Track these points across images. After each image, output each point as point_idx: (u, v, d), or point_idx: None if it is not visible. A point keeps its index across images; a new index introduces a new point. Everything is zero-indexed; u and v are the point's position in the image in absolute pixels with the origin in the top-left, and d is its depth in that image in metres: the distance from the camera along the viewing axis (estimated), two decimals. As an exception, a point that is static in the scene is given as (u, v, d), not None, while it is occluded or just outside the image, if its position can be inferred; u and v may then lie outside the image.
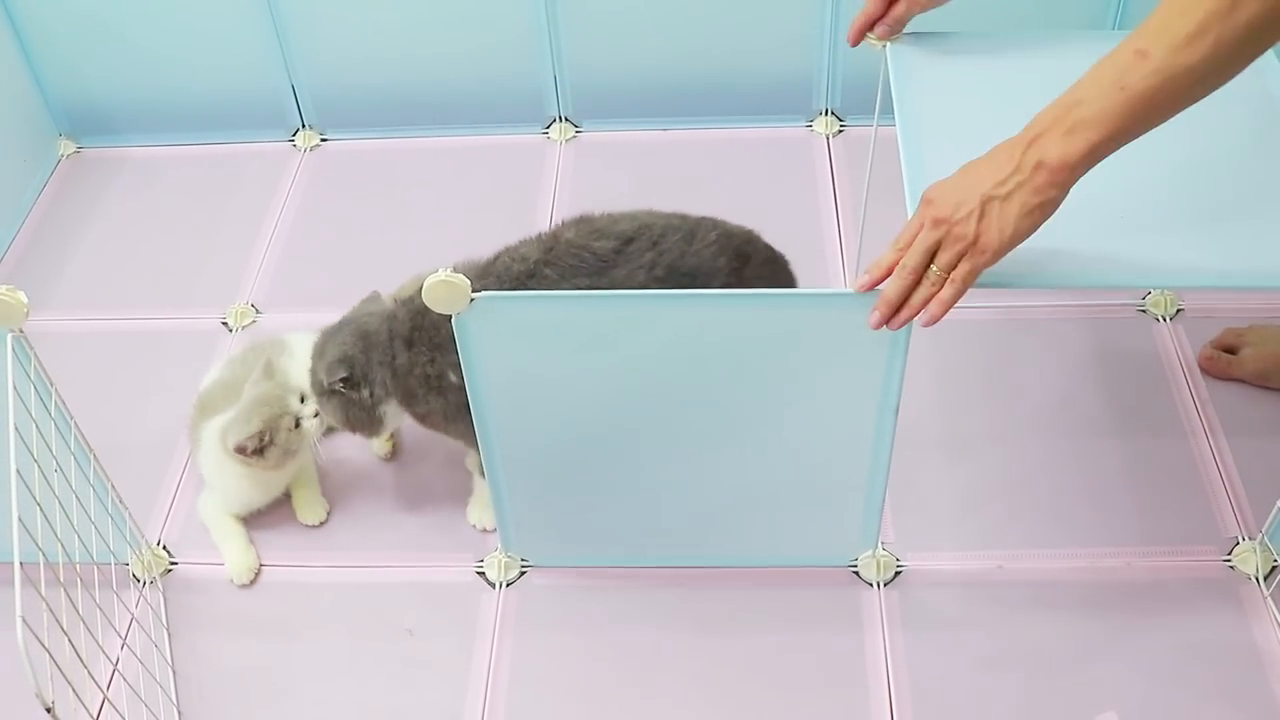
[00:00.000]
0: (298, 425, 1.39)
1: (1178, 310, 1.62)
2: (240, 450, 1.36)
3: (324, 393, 1.36)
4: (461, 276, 1.10)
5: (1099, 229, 1.13)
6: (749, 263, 1.34)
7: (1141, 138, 1.10)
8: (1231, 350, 1.56)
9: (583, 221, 1.33)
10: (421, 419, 1.37)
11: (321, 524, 1.45)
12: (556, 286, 1.26)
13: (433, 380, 1.31)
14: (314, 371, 1.38)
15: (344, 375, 1.33)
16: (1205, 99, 1.17)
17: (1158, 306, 1.63)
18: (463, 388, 1.24)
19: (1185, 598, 1.33)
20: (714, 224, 1.35)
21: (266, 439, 1.37)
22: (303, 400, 1.41)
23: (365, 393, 1.34)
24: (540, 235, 1.33)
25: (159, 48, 1.89)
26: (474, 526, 1.45)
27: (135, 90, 1.95)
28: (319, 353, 1.38)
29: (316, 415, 1.40)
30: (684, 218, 1.35)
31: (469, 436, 1.31)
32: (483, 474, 1.37)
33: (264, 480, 1.42)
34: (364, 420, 1.36)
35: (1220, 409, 1.50)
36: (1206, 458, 1.45)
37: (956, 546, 1.39)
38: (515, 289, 1.26)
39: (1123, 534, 1.39)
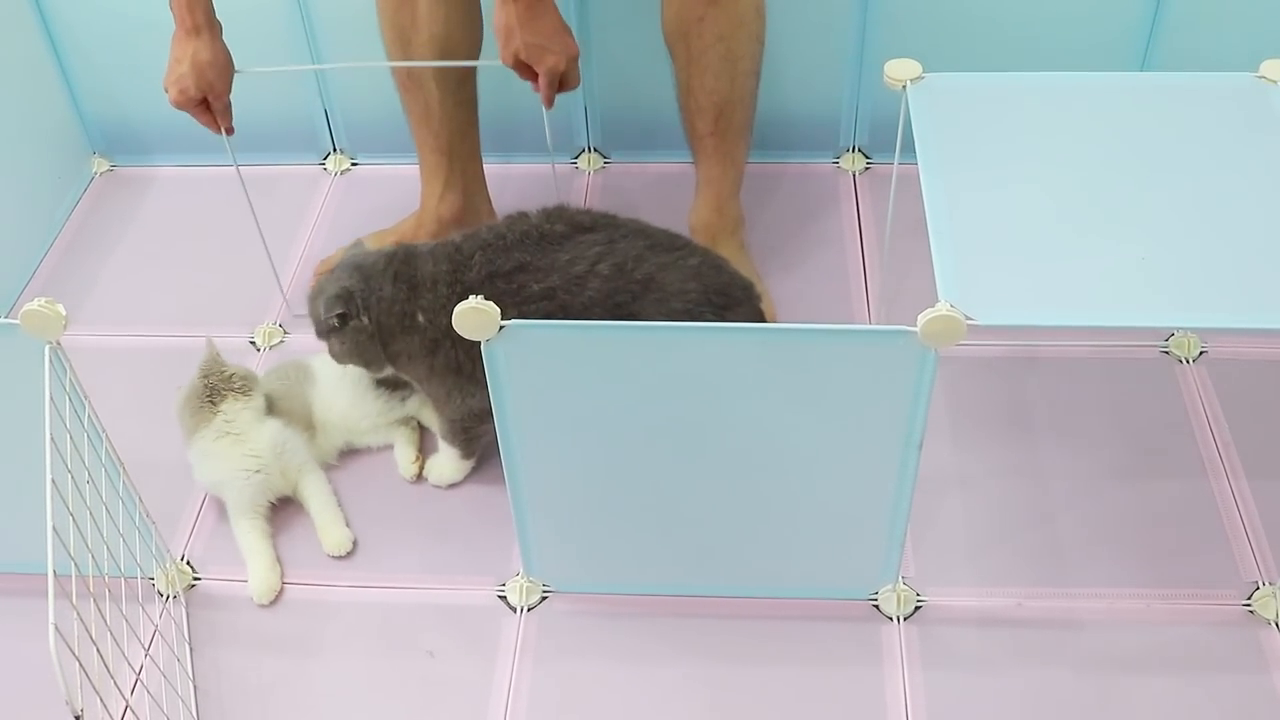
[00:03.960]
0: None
1: (1200, 352, 1.63)
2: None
3: (330, 329, 1.44)
4: (492, 305, 1.11)
5: (1121, 270, 1.14)
6: (735, 308, 1.38)
7: (1164, 179, 1.13)
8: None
9: (557, 209, 1.41)
10: (396, 360, 1.44)
11: (349, 554, 1.45)
12: (503, 256, 1.36)
13: (405, 319, 1.39)
14: (314, 315, 1.46)
15: (340, 311, 1.40)
16: (1233, 144, 1.19)
17: (1180, 348, 1.63)
18: (425, 330, 1.36)
19: (1204, 641, 1.33)
20: (708, 256, 1.41)
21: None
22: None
23: (365, 319, 1.41)
24: (513, 214, 1.43)
25: (194, 70, 1.92)
26: (424, 476, 1.52)
27: (169, 111, 1.96)
28: (315, 296, 1.46)
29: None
30: (674, 237, 1.41)
31: (439, 394, 1.42)
32: (448, 440, 1.48)
33: (259, 468, 1.46)
34: (372, 350, 1.43)
35: (1243, 452, 1.50)
36: (1228, 501, 1.45)
37: (977, 583, 1.39)
38: (475, 253, 1.37)
39: (1143, 575, 1.39)
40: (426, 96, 1.66)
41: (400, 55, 1.62)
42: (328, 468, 1.53)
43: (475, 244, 1.38)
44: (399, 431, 1.55)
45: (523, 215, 1.41)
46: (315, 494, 1.48)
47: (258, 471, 1.45)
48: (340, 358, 1.46)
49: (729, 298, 1.38)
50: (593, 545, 1.37)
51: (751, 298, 1.42)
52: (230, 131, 1.53)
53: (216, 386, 1.46)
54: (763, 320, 1.45)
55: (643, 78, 1.87)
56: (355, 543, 1.46)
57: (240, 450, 1.45)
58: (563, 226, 1.38)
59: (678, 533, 1.33)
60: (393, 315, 1.40)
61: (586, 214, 1.41)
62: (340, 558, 1.45)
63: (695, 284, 1.35)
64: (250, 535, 1.44)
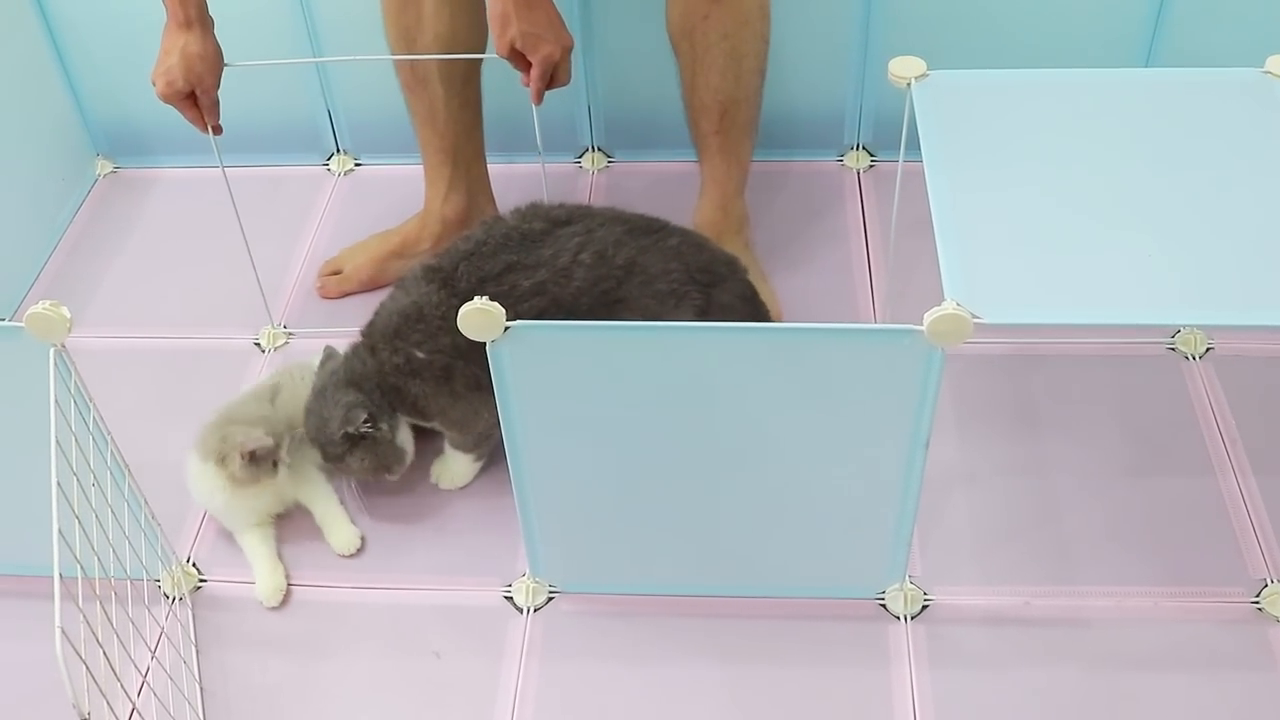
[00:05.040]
0: (274, 465, 1.42)
1: (1207, 349, 1.62)
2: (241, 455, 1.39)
3: (347, 449, 1.40)
4: (497, 306, 1.11)
5: (1127, 267, 1.13)
6: (721, 284, 1.40)
7: (1170, 175, 1.13)
8: (338, 271, 1.78)
9: (529, 208, 1.43)
10: (415, 408, 1.41)
11: (357, 551, 1.45)
12: (490, 260, 1.36)
13: (403, 367, 1.38)
14: (324, 441, 1.41)
15: (366, 416, 1.38)
16: (1239, 140, 1.18)
17: (1187, 345, 1.63)
18: (432, 361, 1.34)
19: (1212, 639, 1.33)
20: (686, 235, 1.43)
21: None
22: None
23: (384, 426, 1.40)
24: (486, 219, 1.45)
25: (197, 71, 1.92)
26: (434, 482, 1.51)
27: (172, 112, 1.96)
28: (319, 425, 1.41)
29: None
30: (651, 221, 1.43)
31: (466, 416, 1.41)
32: (462, 449, 1.47)
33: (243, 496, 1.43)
34: (391, 453, 1.42)
35: (1250, 449, 1.50)
36: (1235, 498, 1.45)
37: (984, 581, 1.39)
38: (458, 264, 1.37)
39: (1150, 573, 1.39)
40: (431, 97, 1.65)
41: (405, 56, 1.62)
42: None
43: (456, 257, 1.38)
44: None
45: (498, 219, 1.43)
46: (317, 498, 1.48)
47: (251, 505, 1.44)
48: (362, 472, 1.44)
49: (713, 275, 1.40)
50: (599, 546, 1.36)
51: (736, 272, 1.44)
52: (218, 130, 1.52)
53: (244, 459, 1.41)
54: (751, 292, 1.46)
55: (646, 76, 1.87)
56: (363, 539, 1.46)
57: (242, 496, 1.43)
58: (540, 224, 1.39)
59: (684, 533, 1.33)
60: (387, 374, 1.39)
61: (561, 208, 1.43)
62: (349, 556, 1.45)
63: (677, 264, 1.38)
64: (252, 539, 1.44)
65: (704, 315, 1.38)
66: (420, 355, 1.37)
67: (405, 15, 1.59)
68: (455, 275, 1.37)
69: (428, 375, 1.38)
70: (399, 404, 1.41)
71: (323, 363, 1.46)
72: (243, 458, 1.39)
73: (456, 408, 1.40)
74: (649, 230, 1.40)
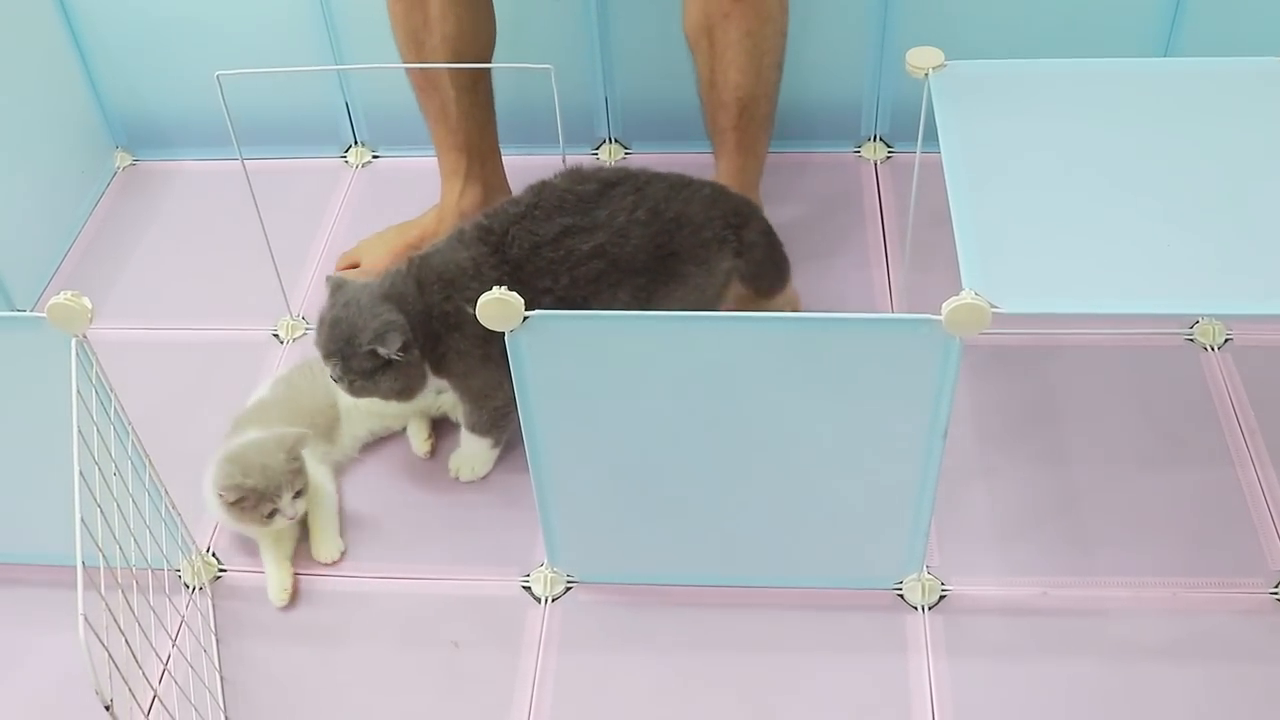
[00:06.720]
0: (271, 515, 1.38)
1: (1226, 339, 1.62)
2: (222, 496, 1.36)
3: (369, 370, 1.36)
4: (515, 295, 1.11)
5: (1146, 257, 1.13)
6: (748, 225, 1.46)
7: (1188, 165, 1.12)
8: (356, 264, 1.77)
9: (572, 171, 1.43)
10: (442, 362, 1.40)
11: (335, 563, 1.44)
12: (544, 224, 1.37)
13: (450, 317, 1.37)
14: (347, 354, 1.36)
15: (402, 342, 1.34)
16: (1258, 129, 1.18)
17: (1206, 336, 1.62)
18: (477, 319, 1.26)
19: (1232, 630, 1.33)
20: (711, 184, 1.48)
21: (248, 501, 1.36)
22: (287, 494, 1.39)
23: (415, 352, 1.37)
24: (533, 184, 1.44)
25: (215, 63, 1.91)
26: (454, 476, 1.51)
27: (191, 105, 1.98)
28: (349, 335, 1.35)
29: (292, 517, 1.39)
30: (681, 175, 1.47)
31: (489, 384, 1.40)
32: (480, 431, 1.47)
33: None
34: (413, 381, 1.39)
35: (1269, 439, 1.49)
36: (1254, 488, 1.45)
37: (1001, 572, 1.39)
38: (508, 228, 1.37)
39: (1169, 564, 1.38)
40: (442, 96, 1.66)
41: (414, 57, 1.63)
42: (350, 461, 1.54)
43: (505, 220, 1.39)
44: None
45: (545, 184, 1.43)
46: (314, 506, 1.45)
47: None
48: (379, 393, 1.39)
49: (741, 216, 1.47)
50: (617, 535, 1.37)
51: (756, 212, 1.51)
52: None
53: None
54: (769, 228, 1.51)
55: (664, 69, 1.86)
56: (344, 552, 1.45)
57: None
58: (594, 185, 1.41)
59: (702, 523, 1.33)
60: (434, 319, 1.37)
61: (605, 169, 1.45)
62: (331, 563, 1.44)
63: (716, 211, 1.44)
64: (266, 540, 1.44)
65: (738, 256, 1.45)
66: (471, 310, 1.36)
67: (412, 18, 1.60)
68: (506, 240, 1.37)
69: (470, 332, 1.35)
70: (428, 351, 1.38)
71: (333, 291, 1.40)
72: (223, 499, 1.37)
73: (484, 372, 1.39)
74: (683, 184, 1.45)
